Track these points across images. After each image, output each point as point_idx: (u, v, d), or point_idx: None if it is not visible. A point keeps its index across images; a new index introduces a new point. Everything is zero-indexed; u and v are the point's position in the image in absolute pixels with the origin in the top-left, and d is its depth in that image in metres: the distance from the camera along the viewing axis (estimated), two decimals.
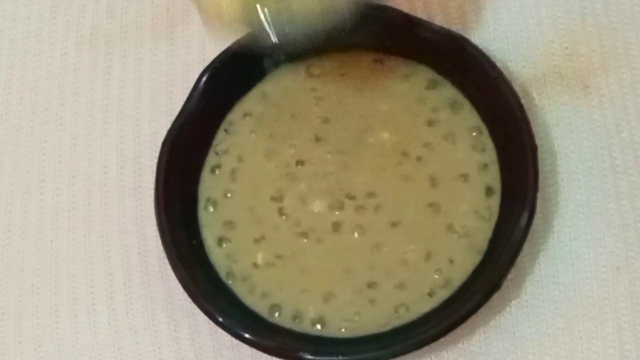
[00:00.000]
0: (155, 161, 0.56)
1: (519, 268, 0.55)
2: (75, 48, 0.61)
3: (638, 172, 0.56)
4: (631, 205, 0.55)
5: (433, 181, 0.55)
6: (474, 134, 0.56)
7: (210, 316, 0.53)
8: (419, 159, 0.56)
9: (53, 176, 0.59)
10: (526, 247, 0.54)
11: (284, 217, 0.55)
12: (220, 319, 0.53)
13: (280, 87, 0.58)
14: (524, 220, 0.52)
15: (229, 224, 0.56)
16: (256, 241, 0.55)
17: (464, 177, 0.55)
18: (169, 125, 0.56)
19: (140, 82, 0.60)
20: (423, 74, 0.57)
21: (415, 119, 0.56)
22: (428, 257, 0.54)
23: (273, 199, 0.56)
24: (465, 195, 0.55)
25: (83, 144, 0.60)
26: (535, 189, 0.53)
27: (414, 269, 0.54)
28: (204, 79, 0.56)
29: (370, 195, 0.55)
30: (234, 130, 0.57)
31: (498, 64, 0.56)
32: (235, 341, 0.54)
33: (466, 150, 0.55)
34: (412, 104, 0.57)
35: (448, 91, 0.57)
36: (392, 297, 0.54)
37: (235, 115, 0.58)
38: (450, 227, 0.54)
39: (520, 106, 0.54)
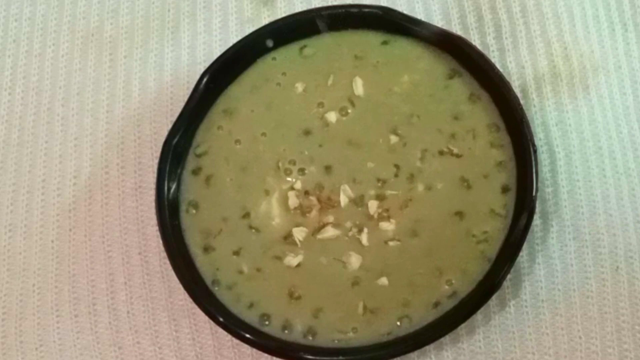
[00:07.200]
0: (156, 161, 0.56)
1: (518, 268, 0.55)
2: (77, 49, 0.62)
3: (638, 172, 0.56)
4: (631, 205, 0.55)
5: (466, 182, 0.54)
6: (492, 129, 0.55)
7: (211, 316, 0.53)
8: (441, 153, 0.55)
9: (55, 176, 0.59)
10: (526, 247, 0.54)
11: (253, 230, 0.55)
12: (221, 319, 0.53)
13: (261, 72, 0.58)
14: (523, 220, 0.52)
15: (206, 232, 0.55)
16: (235, 253, 0.55)
17: (486, 176, 0.54)
18: (169, 125, 0.56)
19: (142, 82, 0.60)
20: (442, 61, 0.56)
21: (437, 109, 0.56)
22: (440, 273, 0.53)
23: (242, 216, 0.55)
24: (486, 195, 0.54)
25: (84, 144, 0.60)
26: (534, 189, 0.53)
27: (423, 289, 0.53)
28: (205, 79, 0.56)
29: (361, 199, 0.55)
30: (212, 129, 0.57)
31: (498, 64, 0.56)
32: (235, 341, 0.54)
33: (485, 147, 0.55)
34: (437, 90, 0.56)
35: (467, 80, 0.56)
36: (394, 312, 0.53)
37: (214, 113, 0.57)
38: (468, 232, 0.53)
39: (520, 107, 0.54)
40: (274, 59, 0.57)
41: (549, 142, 0.56)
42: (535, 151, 0.53)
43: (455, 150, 0.55)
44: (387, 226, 0.54)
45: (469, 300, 0.52)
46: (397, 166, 0.55)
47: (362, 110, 0.56)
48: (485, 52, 0.56)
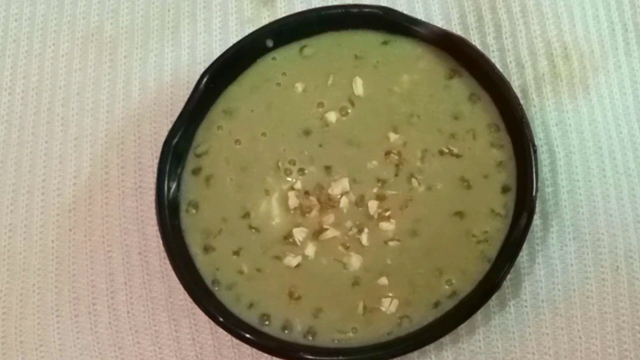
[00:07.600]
0: (156, 162, 0.56)
1: (518, 268, 0.55)
2: (77, 49, 0.62)
3: (638, 172, 0.56)
4: (631, 205, 0.55)
5: (466, 182, 0.54)
6: (492, 129, 0.55)
7: (211, 316, 0.53)
8: (441, 153, 0.55)
9: (55, 176, 0.59)
10: (526, 247, 0.54)
11: (253, 230, 0.55)
12: (221, 319, 0.53)
13: (261, 72, 0.57)
14: (523, 220, 0.52)
15: (206, 232, 0.55)
16: (235, 253, 0.55)
17: (485, 176, 0.54)
18: (169, 125, 0.56)
19: (142, 82, 0.60)
20: (442, 61, 0.56)
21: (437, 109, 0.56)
22: (440, 273, 0.53)
23: (242, 216, 0.55)
24: (486, 195, 0.54)
25: (84, 144, 0.60)
26: (534, 189, 0.53)
27: (423, 289, 0.53)
28: (205, 79, 0.56)
29: (363, 198, 0.55)
30: (212, 129, 0.57)
31: (498, 64, 0.56)
32: (235, 341, 0.55)
33: (485, 147, 0.55)
34: (437, 90, 0.56)
35: (467, 80, 0.56)
36: (394, 312, 0.53)
37: (214, 113, 0.57)
38: (468, 232, 0.54)
39: (520, 107, 0.54)
40: (274, 59, 0.57)
41: (549, 142, 0.56)
42: (535, 151, 0.53)
43: (455, 150, 0.55)
44: (387, 226, 0.54)
45: (469, 300, 0.52)
46: (397, 166, 0.55)
47: (362, 110, 0.56)
48: (485, 52, 0.56)
